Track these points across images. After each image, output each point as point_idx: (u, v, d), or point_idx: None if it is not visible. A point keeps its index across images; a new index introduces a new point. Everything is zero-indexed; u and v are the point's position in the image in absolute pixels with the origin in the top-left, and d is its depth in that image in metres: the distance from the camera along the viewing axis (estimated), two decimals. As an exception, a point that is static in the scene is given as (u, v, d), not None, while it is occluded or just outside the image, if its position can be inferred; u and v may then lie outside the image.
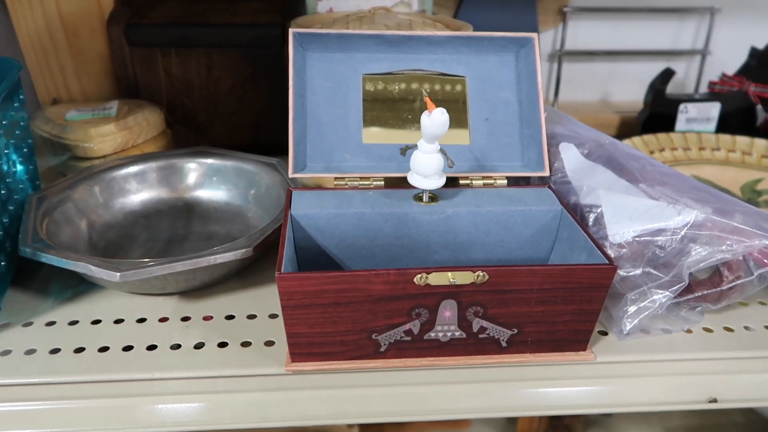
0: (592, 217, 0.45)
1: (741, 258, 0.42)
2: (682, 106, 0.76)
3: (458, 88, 0.50)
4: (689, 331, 0.44)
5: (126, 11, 0.66)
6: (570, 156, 0.51)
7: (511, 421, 1.08)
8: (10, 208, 0.46)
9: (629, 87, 0.89)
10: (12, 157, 0.49)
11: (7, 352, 0.39)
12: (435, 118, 0.40)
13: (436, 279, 0.36)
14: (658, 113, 0.76)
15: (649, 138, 0.72)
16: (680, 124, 0.76)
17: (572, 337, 0.40)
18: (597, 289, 0.38)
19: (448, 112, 0.41)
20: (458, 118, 0.50)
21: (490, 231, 0.45)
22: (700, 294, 0.44)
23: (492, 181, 0.48)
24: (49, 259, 0.40)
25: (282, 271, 0.35)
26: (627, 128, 0.82)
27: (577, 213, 0.46)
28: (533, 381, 0.41)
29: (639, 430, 1.12)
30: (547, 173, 0.49)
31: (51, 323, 0.42)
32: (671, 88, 0.77)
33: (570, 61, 0.88)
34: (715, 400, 0.42)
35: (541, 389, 0.40)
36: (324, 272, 0.35)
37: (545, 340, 0.40)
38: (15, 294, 0.45)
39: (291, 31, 0.47)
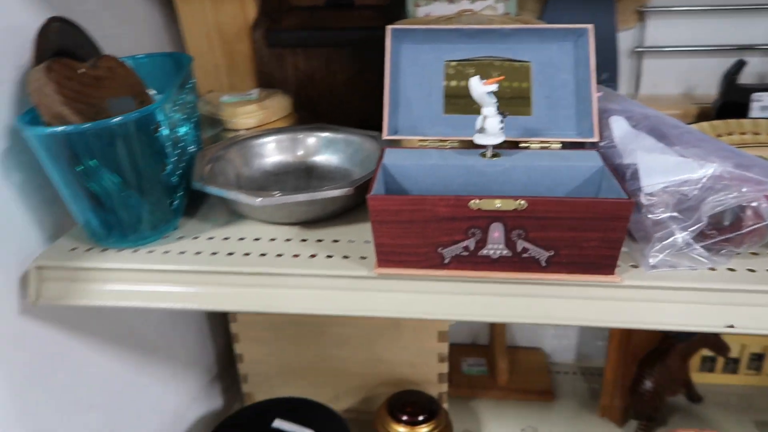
0: (629, 173, 0.54)
1: (759, 205, 0.50)
2: (755, 95, 0.81)
3: (524, 71, 0.62)
4: (713, 269, 0.52)
5: (266, 20, 0.83)
6: (619, 126, 0.60)
7: (594, 397, 1.14)
8: (185, 158, 0.63)
9: (708, 80, 0.94)
10: (185, 126, 0.66)
11: (183, 252, 0.56)
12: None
13: (486, 204, 0.47)
14: (731, 102, 0.82)
15: (718, 123, 0.78)
16: (754, 112, 0.81)
17: (600, 261, 0.49)
18: (618, 220, 0.47)
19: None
20: (523, 95, 0.61)
21: (540, 182, 0.56)
22: (724, 237, 0.52)
23: (547, 145, 0.59)
24: (212, 189, 0.57)
25: (372, 193, 0.48)
26: (704, 118, 0.88)
27: (619, 171, 0.56)
28: (567, 299, 0.51)
29: (729, 422, 1.13)
30: (596, 140, 0.58)
31: (211, 238, 0.58)
32: (750, 81, 0.82)
33: (650, 57, 0.95)
34: (732, 326, 0.50)
35: (573, 303, 0.50)
36: (402, 195, 0.48)
37: (578, 262, 0.50)
38: (186, 220, 0.62)
39: (388, 27, 0.61)
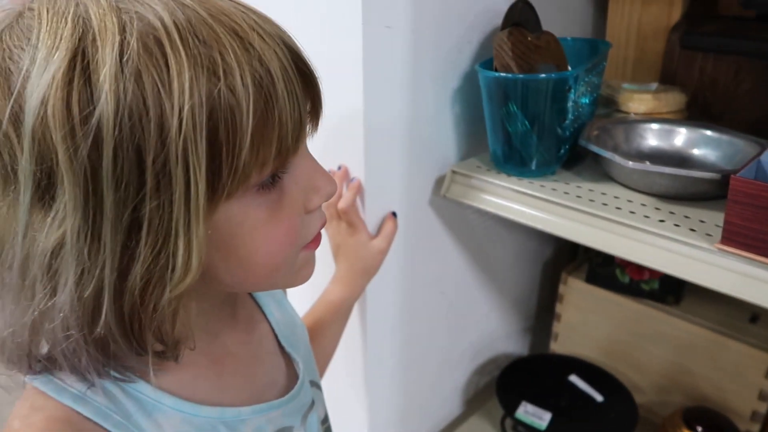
0: None
1: None
2: None
3: None
4: None
5: (686, 23, 0.90)
6: None
7: None
8: (579, 122, 0.77)
9: None
10: (587, 98, 0.80)
11: (555, 189, 0.71)
12: None
13: None
14: None
15: None
16: None
17: None
18: None
19: None
20: None
21: None
22: None
23: None
24: (594, 148, 0.70)
25: (737, 175, 0.54)
26: None
27: None
28: None
29: None
30: None
31: (578, 186, 0.72)
32: None
33: None
34: None
35: None
36: (764, 183, 0.53)
37: None
38: (562, 170, 0.77)
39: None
